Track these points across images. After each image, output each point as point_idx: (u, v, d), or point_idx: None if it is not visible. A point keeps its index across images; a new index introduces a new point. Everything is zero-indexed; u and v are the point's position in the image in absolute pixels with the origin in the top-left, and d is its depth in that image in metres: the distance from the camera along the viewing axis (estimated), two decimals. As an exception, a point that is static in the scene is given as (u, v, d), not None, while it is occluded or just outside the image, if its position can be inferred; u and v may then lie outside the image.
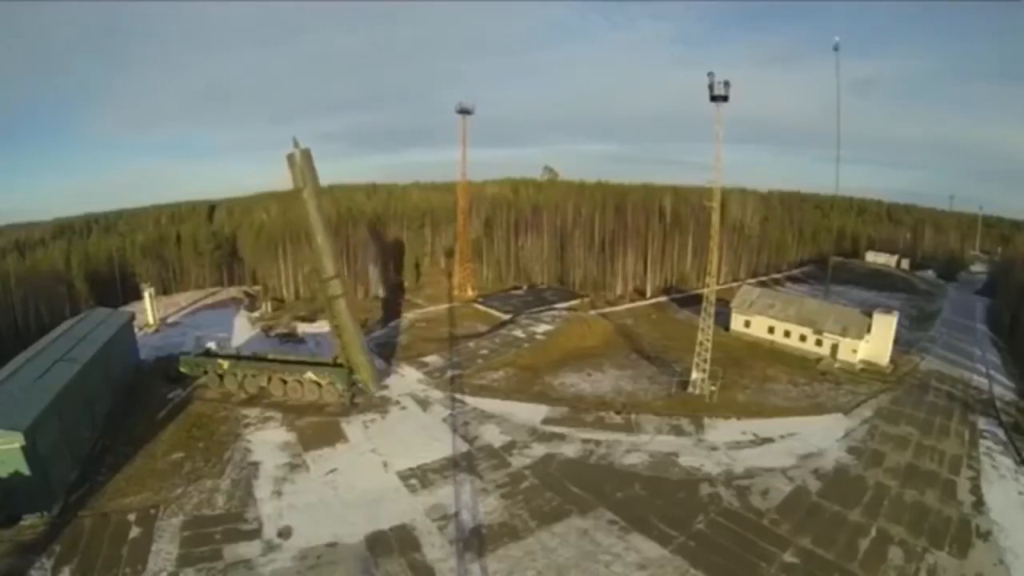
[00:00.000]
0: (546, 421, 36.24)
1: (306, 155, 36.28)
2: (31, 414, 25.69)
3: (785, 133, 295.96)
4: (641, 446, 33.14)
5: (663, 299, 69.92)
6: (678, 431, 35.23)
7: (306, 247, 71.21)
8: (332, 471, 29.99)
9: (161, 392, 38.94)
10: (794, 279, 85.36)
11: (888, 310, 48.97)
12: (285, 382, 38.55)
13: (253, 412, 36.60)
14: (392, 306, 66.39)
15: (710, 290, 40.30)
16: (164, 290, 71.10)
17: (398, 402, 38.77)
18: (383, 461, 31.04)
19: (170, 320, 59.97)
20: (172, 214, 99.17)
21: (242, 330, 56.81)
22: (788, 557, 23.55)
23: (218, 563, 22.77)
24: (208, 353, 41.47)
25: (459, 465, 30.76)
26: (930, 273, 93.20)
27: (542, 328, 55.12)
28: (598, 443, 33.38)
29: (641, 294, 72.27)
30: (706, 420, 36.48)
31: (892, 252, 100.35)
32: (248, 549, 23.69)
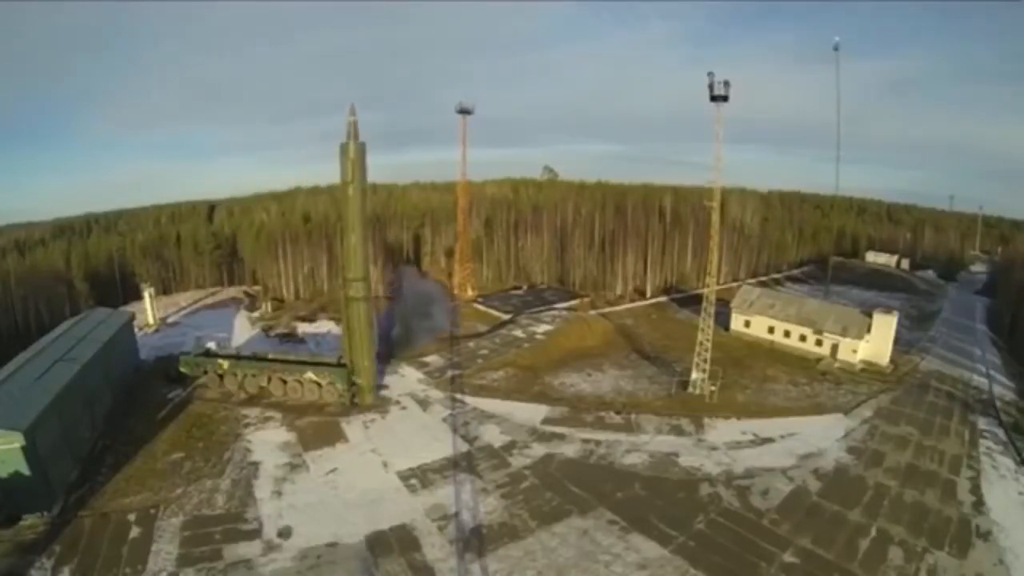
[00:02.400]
0: (546, 421, 36.24)
1: (361, 148, 35.98)
2: (31, 414, 25.68)
3: (790, 133, 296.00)
4: (641, 446, 33.14)
5: (663, 299, 69.91)
6: (678, 431, 35.23)
7: (305, 248, 71.64)
8: (332, 471, 29.99)
9: (161, 392, 38.91)
10: (794, 279, 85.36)
11: (888, 310, 48.98)
12: (285, 382, 38.53)
13: (253, 412, 36.58)
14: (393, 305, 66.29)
15: (710, 290, 40.31)
16: (164, 290, 71.13)
17: (398, 402, 38.77)
18: (383, 461, 31.04)
19: (170, 320, 59.96)
20: (172, 214, 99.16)
21: (242, 330, 56.81)
22: (788, 557, 23.55)
23: (218, 563, 22.76)
24: (208, 353, 41.46)
25: (459, 465, 30.75)
26: (930, 273, 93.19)
27: (542, 328, 55.12)
28: (598, 443, 33.38)
29: (641, 294, 72.26)
30: (706, 420, 36.48)
31: (892, 252, 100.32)
32: (248, 549, 23.69)
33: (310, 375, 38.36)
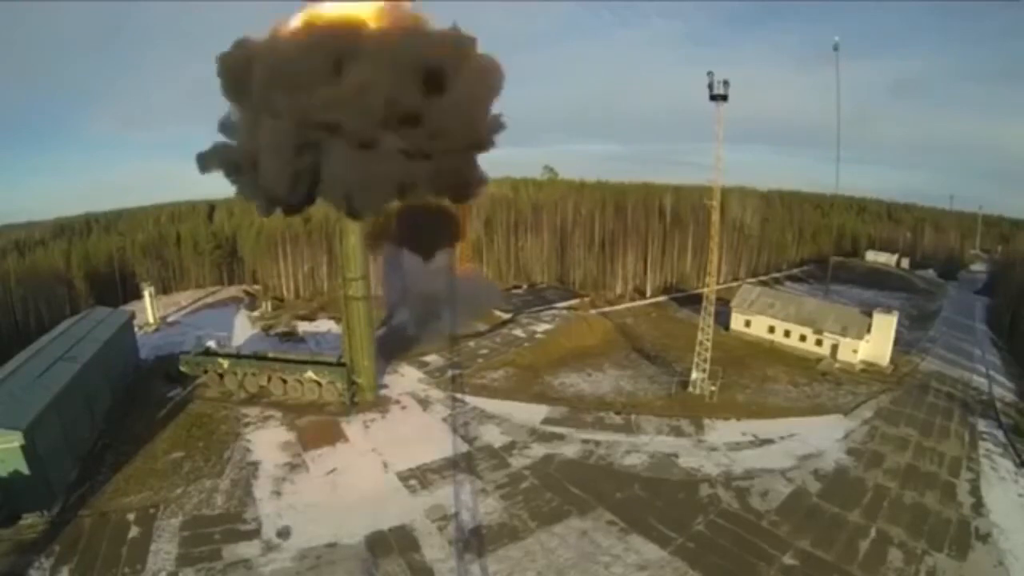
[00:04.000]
0: (546, 421, 36.22)
1: None
2: (31, 413, 25.71)
3: (791, 133, 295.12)
4: (641, 447, 33.13)
5: (663, 298, 69.87)
6: (678, 432, 35.21)
7: (305, 248, 71.56)
8: (332, 471, 30.00)
9: (161, 391, 38.92)
10: (794, 279, 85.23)
11: (888, 310, 48.87)
12: (285, 381, 38.52)
13: (253, 411, 36.59)
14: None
15: (710, 290, 40.29)
16: (164, 289, 71.04)
17: (398, 402, 38.77)
18: (383, 461, 31.05)
19: (170, 319, 59.95)
20: (172, 214, 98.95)
21: (242, 329, 56.77)
22: (788, 559, 23.55)
23: (217, 563, 22.79)
24: (208, 352, 41.44)
25: (459, 465, 30.76)
26: (930, 272, 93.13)
27: (542, 327, 55.12)
28: (598, 443, 33.37)
29: (641, 293, 72.20)
30: (706, 420, 36.45)
31: (892, 251, 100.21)
32: (247, 549, 23.71)
33: (310, 374, 38.35)
